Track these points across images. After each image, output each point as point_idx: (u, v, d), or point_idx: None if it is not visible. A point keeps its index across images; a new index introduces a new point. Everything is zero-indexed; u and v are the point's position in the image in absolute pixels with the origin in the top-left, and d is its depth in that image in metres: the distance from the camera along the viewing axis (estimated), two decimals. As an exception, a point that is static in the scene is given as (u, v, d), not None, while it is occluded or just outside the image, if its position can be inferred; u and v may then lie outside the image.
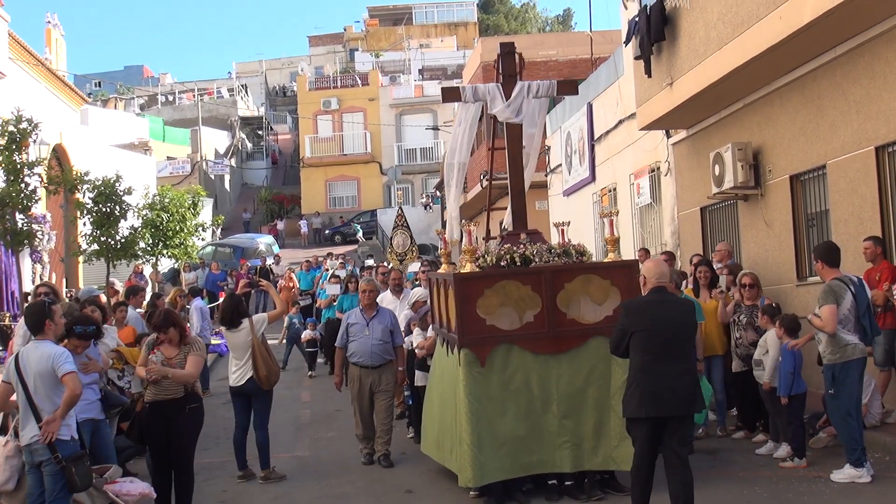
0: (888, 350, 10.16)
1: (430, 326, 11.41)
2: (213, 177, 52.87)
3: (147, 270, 27.12)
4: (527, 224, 9.94)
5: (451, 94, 10.47)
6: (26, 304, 9.26)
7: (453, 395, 9.03)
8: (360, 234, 48.31)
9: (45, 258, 21.60)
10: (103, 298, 15.26)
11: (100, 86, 76.96)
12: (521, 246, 9.25)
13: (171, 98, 68.77)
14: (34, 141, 17.34)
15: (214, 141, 57.96)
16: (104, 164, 25.00)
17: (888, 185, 10.81)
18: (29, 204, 16.39)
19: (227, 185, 57.68)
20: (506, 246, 9.32)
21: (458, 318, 8.84)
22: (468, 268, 9.08)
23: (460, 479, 8.81)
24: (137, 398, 8.60)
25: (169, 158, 50.55)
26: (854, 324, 8.84)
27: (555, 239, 10.08)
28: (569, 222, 10.39)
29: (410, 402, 12.17)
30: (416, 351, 11.53)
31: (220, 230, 41.40)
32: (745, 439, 10.85)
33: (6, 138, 16.54)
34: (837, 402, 8.84)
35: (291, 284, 23.99)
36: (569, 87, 10.89)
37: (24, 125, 16.64)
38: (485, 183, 27.74)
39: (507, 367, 8.82)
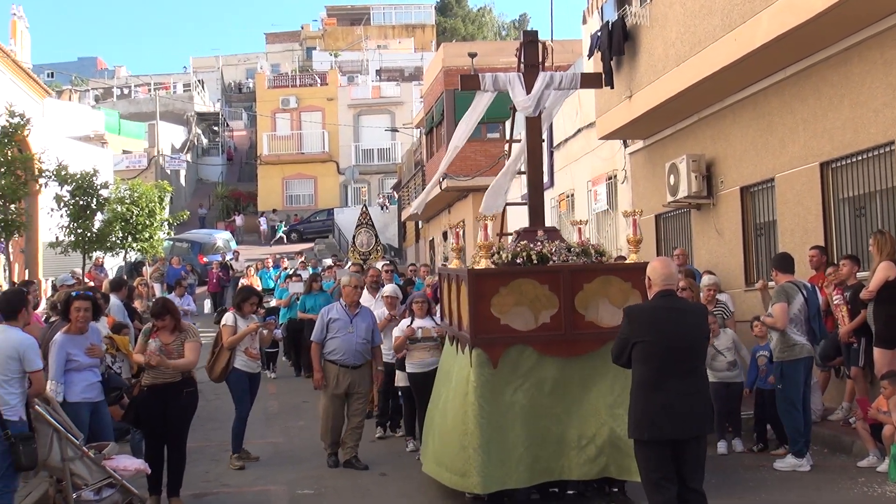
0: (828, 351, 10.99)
1: (396, 326, 11.31)
2: (169, 172, 52.86)
3: (108, 262, 27.40)
4: (544, 220, 9.50)
5: (470, 82, 9.90)
6: (3, 290, 9.66)
7: (460, 396, 8.43)
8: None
9: (10, 248, 21.84)
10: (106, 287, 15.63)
11: (52, 76, 76.21)
12: (539, 243, 8.76)
13: (126, 91, 68.49)
14: (27, 136, 17.67)
15: (170, 136, 57.95)
16: (63, 155, 25.05)
17: (831, 198, 11.66)
18: (19, 196, 16.72)
19: (182, 181, 57.60)
20: (522, 243, 8.83)
21: (471, 316, 8.35)
22: (483, 264, 8.58)
23: (463, 483, 8.23)
24: (134, 383, 9.04)
25: (125, 152, 50.47)
26: (803, 325, 9.62)
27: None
28: (587, 221, 9.90)
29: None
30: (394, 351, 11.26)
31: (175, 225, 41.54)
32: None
33: None
34: (784, 395, 9.59)
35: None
36: (593, 80, 10.51)
37: (16, 119, 16.95)
38: (444, 185, 28.17)
39: (520, 368, 8.31)
